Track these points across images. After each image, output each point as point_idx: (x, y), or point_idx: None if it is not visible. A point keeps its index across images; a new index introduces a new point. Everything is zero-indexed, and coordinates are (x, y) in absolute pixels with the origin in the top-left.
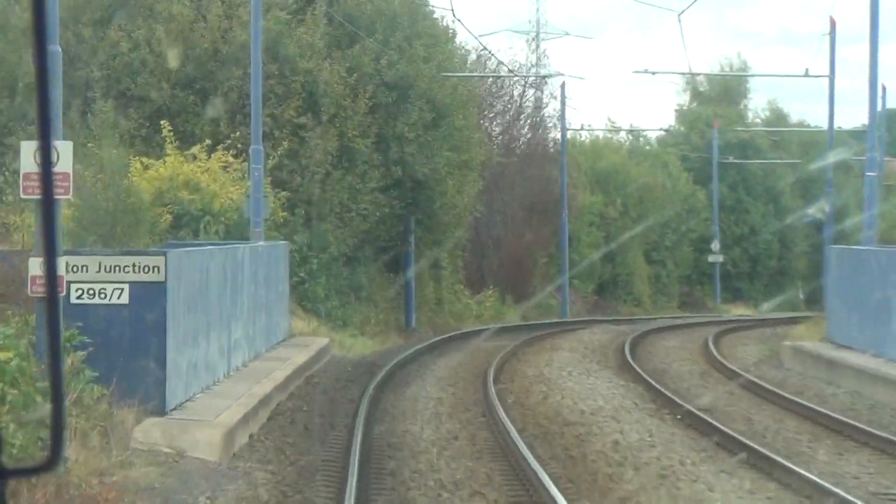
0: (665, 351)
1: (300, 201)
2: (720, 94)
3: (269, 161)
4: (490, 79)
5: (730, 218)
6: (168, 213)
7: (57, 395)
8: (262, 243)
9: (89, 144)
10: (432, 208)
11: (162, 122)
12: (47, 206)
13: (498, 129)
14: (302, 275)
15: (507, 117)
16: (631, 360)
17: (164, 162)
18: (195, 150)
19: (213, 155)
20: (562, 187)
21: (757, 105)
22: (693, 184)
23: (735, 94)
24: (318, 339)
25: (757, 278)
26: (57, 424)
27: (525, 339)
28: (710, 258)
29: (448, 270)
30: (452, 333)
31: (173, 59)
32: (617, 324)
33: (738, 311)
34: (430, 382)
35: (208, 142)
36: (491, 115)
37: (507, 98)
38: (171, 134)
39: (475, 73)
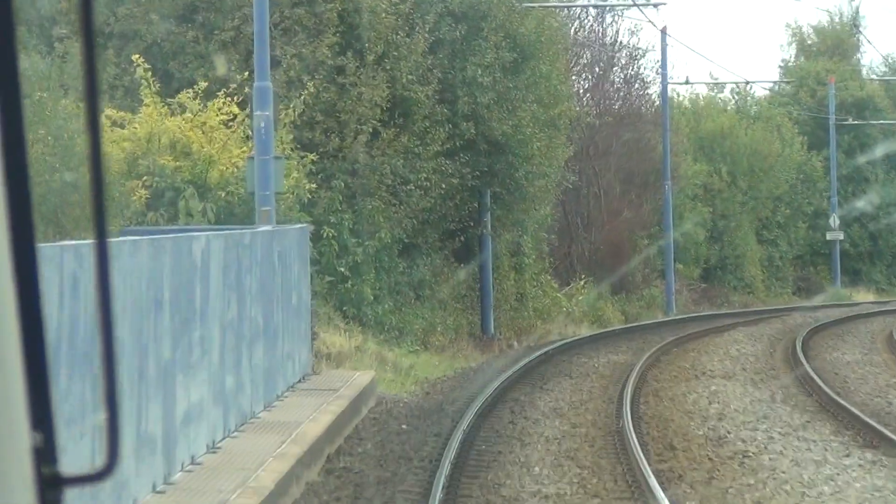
0: (855, 371)
1: (339, 171)
2: (831, 47)
3: (288, 112)
4: (576, 23)
5: (846, 189)
6: (144, 187)
7: (111, 401)
8: (263, 228)
9: (40, 94)
10: (514, 178)
11: (134, 56)
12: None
13: (586, 85)
14: (342, 270)
15: (597, 70)
16: (841, 400)
17: (141, 115)
18: (182, 96)
19: (210, 104)
20: (664, 151)
21: (872, 60)
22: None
23: (847, 47)
24: (358, 374)
25: (879, 258)
26: (113, 431)
27: (648, 351)
28: (829, 235)
29: (532, 258)
30: (549, 349)
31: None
32: (752, 323)
33: (860, 296)
34: (537, 455)
35: (203, 84)
36: (577, 69)
37: (598, 46)
38: (149, 74)
39: (564, 4)
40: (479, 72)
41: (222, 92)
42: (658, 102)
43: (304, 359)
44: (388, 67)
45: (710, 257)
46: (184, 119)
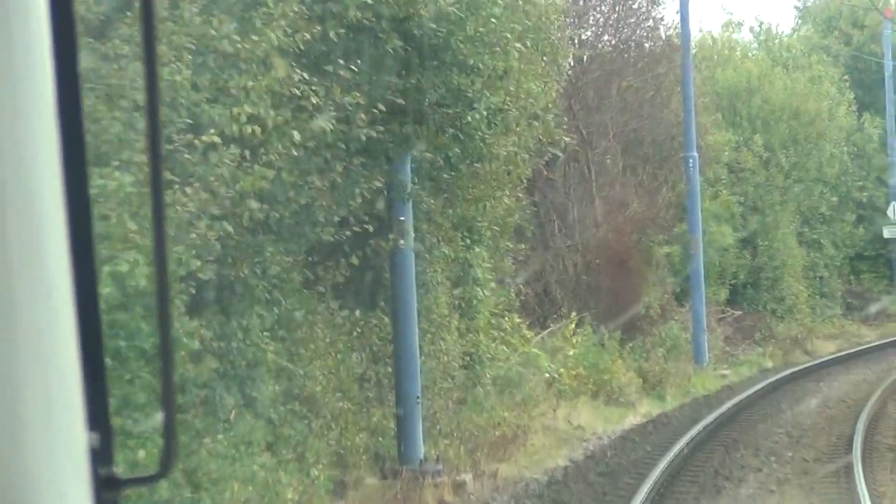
0: None
1: None
2: None
3: None
4: None
5: None
6: None
7: (168, 402)
8: None
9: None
10: (465, 127)
11: None
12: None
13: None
14: None
15: None
16: None
17: None
18: None
19: None
20: (685, 107)
21: None
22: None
23: None
24: None
25: None
26: (169, 431)
27: None
28: (886, 232)
29: (488, 287)
30: None
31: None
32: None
33: None
34: None
35: None
36: None
37: None
38: None
39: None
40: None
41: None
42: (670, 32)
43: None
44: None
45: (739, 270)
46: None
